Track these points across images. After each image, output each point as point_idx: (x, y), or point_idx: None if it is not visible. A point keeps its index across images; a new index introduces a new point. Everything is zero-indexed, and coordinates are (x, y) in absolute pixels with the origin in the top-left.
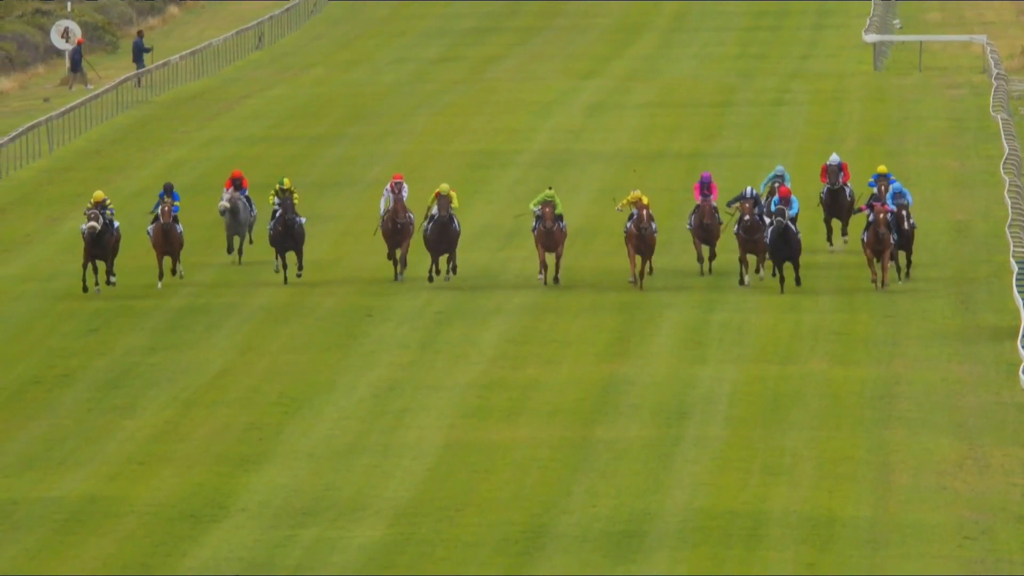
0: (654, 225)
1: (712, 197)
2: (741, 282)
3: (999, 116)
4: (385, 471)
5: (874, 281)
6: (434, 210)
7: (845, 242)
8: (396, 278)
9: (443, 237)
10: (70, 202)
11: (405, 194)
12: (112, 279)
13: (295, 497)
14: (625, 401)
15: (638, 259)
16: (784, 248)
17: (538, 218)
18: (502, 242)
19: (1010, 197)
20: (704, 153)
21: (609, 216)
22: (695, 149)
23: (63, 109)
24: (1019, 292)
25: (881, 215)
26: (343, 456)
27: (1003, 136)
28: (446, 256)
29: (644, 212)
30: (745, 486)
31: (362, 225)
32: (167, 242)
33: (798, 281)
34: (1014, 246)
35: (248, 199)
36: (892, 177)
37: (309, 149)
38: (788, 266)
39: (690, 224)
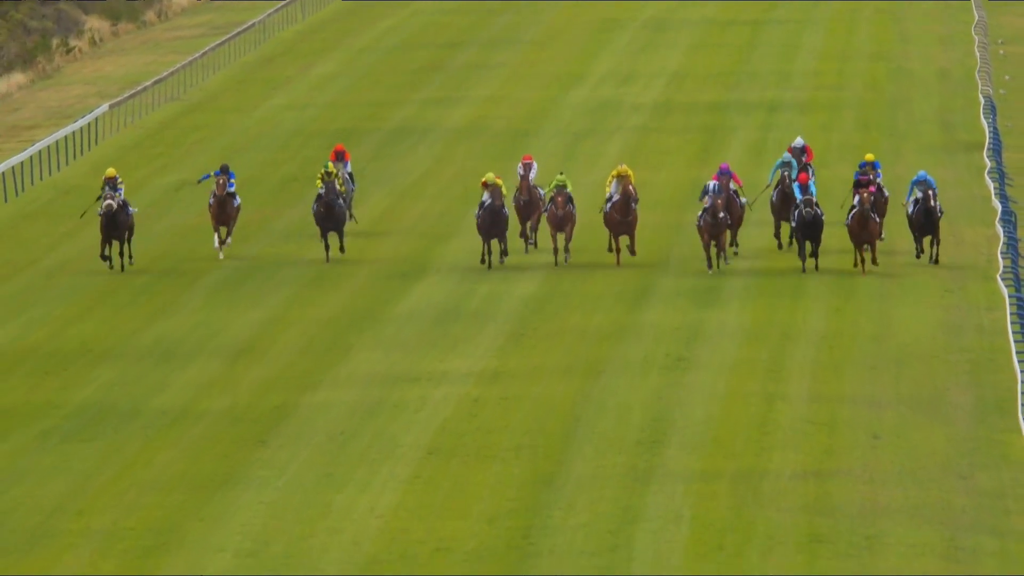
0: (634, 206)
1: (738, 183)
2: (709, 267)
3: None
4: (539, 245)
5: (856, 266)
6: (485, 198)
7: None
8: (525, 251)
9: (495, 223)
10: (317, 54)
11: (534, 173)
12: (131, 259)
13: (474, 261)
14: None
15: (623, 238)
16: (809, 230)
17: (551, 200)
18: (621, 80)
19: (978, 51)
20: (765, 20)
21: (703, 61)
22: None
23: None
24: (984, 117)
25: (866, 200)
26: (509, 234)
27: (974, 7)
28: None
29: (631, 188)
30: (791, 258)
31: (523, 70)
32: (222, 213)
33: (815, 257)
34: (981, 85)
35: (350, 175)
36: (880, 168)
37: (482, 18)
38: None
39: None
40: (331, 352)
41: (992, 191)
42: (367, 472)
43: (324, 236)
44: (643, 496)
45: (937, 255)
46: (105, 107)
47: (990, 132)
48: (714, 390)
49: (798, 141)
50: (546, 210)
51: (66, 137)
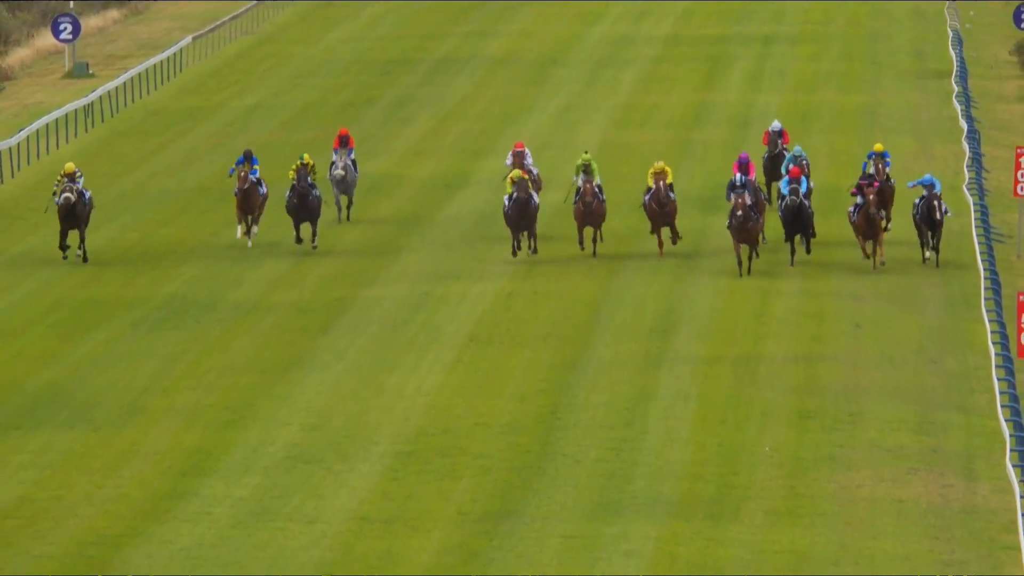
0: (672, 195)
1: (752, 177)
2: (743, 268)
3: None
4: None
5: (867, 257)
6: (513, 191)
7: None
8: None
9: (523, 215)
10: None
11: (529, 160)
12: (82, 251)
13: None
14: (713, 116)
15: (664, 230)
16: (796, 223)
17: (579, 192)
18: (636, 17)
19: None
20: None
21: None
22: None
23: None
24: (952, 48)
25: (871, 197)
26: (543, 150)
27: None
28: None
29: (662, 184)
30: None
31: (551, 8)
32: (247, 202)
33: (808, 250)
34: (950, 20)
35: (353, 161)
36: (889, 158)
37: None
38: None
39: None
40: (384, 252)
41: (959, 112)
42: (415, 357)
43: (297, 226)
44: (655, 378)
45: (937, 257)
46: (188, 39)
47: (957, 61)
48: (717, 286)
49: (775, 125)
50: (576, 201)
51: (155, 66)
